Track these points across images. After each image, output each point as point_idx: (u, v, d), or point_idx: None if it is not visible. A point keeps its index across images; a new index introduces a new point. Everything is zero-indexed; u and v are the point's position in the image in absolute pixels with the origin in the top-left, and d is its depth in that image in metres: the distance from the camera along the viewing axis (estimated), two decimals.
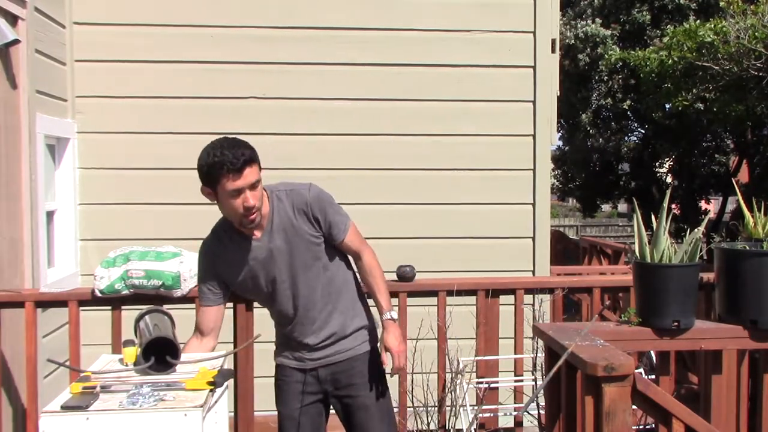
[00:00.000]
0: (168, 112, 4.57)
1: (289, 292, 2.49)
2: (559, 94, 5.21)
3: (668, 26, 10.70)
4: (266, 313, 3.24)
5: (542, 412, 3.09)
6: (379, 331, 2.61)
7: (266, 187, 2.43)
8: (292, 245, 2.43)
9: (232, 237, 2.46)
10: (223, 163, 2.23)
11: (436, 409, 3.34)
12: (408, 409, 3.34)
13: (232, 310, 3.19)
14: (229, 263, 2.48)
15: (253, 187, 2.29)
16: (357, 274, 2.61)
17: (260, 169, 2.33)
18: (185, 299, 3.09)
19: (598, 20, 12.58)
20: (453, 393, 3.35)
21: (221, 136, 4.52)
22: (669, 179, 15.06)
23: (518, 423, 3.56)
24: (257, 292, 2.54)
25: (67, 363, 3.07)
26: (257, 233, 2.43)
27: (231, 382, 2.59)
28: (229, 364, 2.66)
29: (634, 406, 2.23)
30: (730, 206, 15.58)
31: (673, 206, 13.98)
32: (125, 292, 3.00)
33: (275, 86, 4.64)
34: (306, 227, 2.42)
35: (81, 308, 3.14)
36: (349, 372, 2.55)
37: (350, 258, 2.60)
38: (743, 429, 2.91)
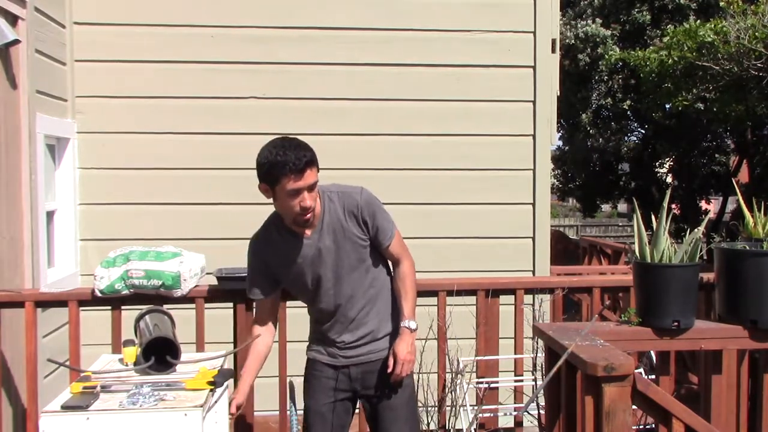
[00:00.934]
0: (168, 112, 4.57)
1: (332, 292, 2.52)
2: (559, 94, 5.20)
3: (668, 26, 10.70)
4: None
5: (542, 412, 3.09)
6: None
7: (319, 187, 2.47)
8: (340, 246, 2.48)
9: (282, 233, 2.50)
10: (286, 163, 2.30)
11: (436, 409, 3.34)
12: None
13: (232, 310, 3.20)
14: (278, 258, 2.53)
15: (311, 188, 2.36)
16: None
17: (318, 171, 2.39)
18: (185, 299, 3.09)
19: (598, 20, 12.58)
20: (453, 393, 3.35)
21: (221, 135, 4.53)
22: (669, 179, 15.07)
23: (518, 423, 3.56)
24: (302, 288, 2.57)
25: (67, 363, 3.07)
26: (308, 232, 2.47)
27: (231, 382, 2.59)
28: (229, 364, 2.67)
29: (634, 406, 2.23)
30: (730, 206, 15.58)
31: (673, 206, 13.97)
32: (125, 292, 3.00)
33: (275, 86, 4.63)
34: (355, 230, 2.48)
35: (81, 308, 3.14)
36: (379, 373, 2.57)
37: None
38: (743, 429, 2.91)
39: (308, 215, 2.39)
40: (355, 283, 2.52)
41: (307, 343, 2.71)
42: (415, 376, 3.26)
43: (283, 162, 2.30)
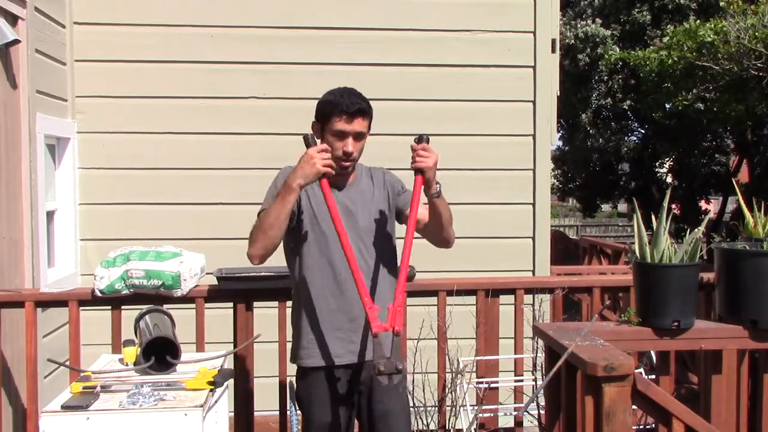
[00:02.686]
0: (168, 112, 4.57)
1: (353, 252, 2.38)
2: (559, 94, 5.20)
3: (668, 26, 10.71)
4: (266, 313, 3.25)
5: (542, 412, 3.09)
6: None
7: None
8: (370, 209, 2.49)
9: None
10: (339, 104, 2.42)
11: (436, 409, 3.34)
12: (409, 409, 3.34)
13: (232, 310, 3.20)
14: (308, 197, 2.47)
15: (357, 136, 2.44)
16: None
17: (370, 126, 2.51)
18: (185, 299, 3.09)
19: (598, 20, 12.59)
20: (453, 393, 3.34)
21: (221, 135, 4.50)
22: (669, 179, 15.07)
23: (518, 423, 3.56)
24: (320, 234, 2.45)
25: (67, 363, 3.07)
26: (345, 181, 2.51)
27: (231, 382, 2.59)
28: (229, 364, 2.67)
29: (634, 406, 2.23)
30: (730, 206, 15.59)
31: (673, 206, 13.98)
32: (125, 292, 3.00)
33: (275, 86, 4.63)
34: (381, 198, 2.57)
35: (81, 308, 3.14)
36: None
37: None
38: (743, 429, 2.90)
39: (348, 162, 2.45)
40: (379, 257, 2.46)
41: (299, 353, 2.50)
42: (416, 377, 3.27)
43: (335, 102, 2.42)
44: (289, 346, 3.24)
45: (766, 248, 2.70)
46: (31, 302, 3.09)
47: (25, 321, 3.08)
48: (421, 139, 2.47)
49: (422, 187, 2.47)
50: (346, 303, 2.44)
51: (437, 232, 2.58)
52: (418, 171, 2.45)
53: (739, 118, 9.44)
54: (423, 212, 2.56)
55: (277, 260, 3.63)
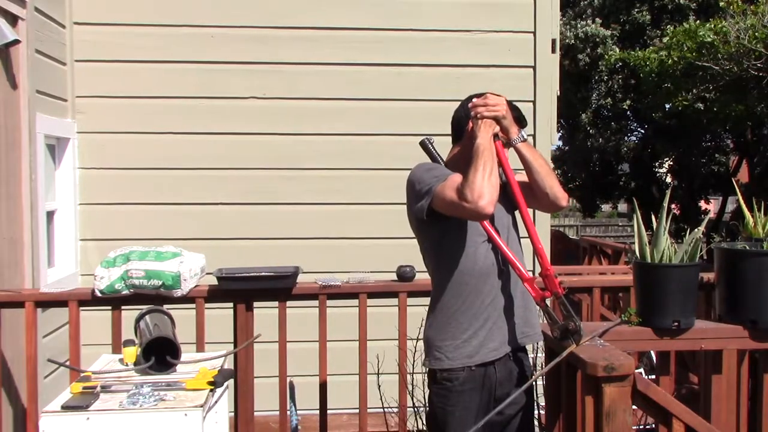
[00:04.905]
0: (168, 112, 4.57)
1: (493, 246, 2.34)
2: (559, 94, 5.20)
3: (668, 26, 10.72)
4: (266, 313, 3.26)
5: (542, 412, 3.09)
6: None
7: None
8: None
9: None
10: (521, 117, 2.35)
11: None
12: (408, 409, 3.34)
13: (232, 310, 3.20)
14: None
15: None
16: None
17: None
18: (185, 299, 3.10)
19: (598, 20, 12.60)
20: None
21: (221, 135, 4.52)
22: (669, 179, 15.08)
23: None
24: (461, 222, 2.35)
25: (67, 363, 3.08)
26: None
27: (231, 382, 2.59)
28: (229, 364, 2.67)
29: (634, 406, 2.23)
30: (730, 206, 15.60)
31: (673, 206, 13.99)
32: (125, 292, 3.01)
33: (275, 86, 4.63)
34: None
35: (81, 308, 3.14)
36: (520, 374, 2.29)
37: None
38: (743, 429, 2.90)
39: None
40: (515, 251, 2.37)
41: (452, 354, 2.24)
42: (416, 376, 3.27)
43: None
44: (290, 346, 3.25)
45: (766, 248, 2.70)
46: (31, 302, 3.09)
47: (25, 321, 3.08)
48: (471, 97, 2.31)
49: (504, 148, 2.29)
50: (497, 294, 2.34)
51: (536, 189, 2.36)
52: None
53: (739, 118, 9.45)
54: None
55: (278, 260, 3.64)
